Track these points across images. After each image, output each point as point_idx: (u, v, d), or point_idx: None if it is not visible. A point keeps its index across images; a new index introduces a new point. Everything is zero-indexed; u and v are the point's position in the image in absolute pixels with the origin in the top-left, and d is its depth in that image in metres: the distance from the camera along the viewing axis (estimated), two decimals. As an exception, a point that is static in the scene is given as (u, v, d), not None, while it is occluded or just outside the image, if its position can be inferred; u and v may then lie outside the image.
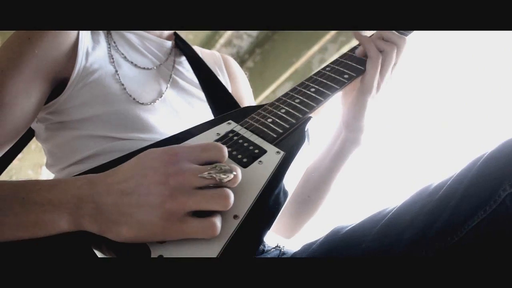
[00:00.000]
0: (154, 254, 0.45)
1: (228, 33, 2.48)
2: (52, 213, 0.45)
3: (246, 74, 2.83)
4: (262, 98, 2.55)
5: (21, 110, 0.67)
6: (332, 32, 2.10)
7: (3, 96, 0.65)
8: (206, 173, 0.44)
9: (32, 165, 2.38)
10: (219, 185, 0.45)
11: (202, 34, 2.57)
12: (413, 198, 0.66)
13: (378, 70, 0.70)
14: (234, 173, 0.45)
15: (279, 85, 2.45)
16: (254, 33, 2.53)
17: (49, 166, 0.79)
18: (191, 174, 0.44)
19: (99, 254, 0.46)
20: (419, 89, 1.69)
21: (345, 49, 2.06)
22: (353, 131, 0.75)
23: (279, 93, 2.44)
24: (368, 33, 0.78)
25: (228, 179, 0.45)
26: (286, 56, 2.38)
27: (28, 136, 0.80)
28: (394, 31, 0.73)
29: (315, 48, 2.19)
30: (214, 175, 0.44)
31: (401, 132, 1.69)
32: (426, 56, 1.60)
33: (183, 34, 0.92)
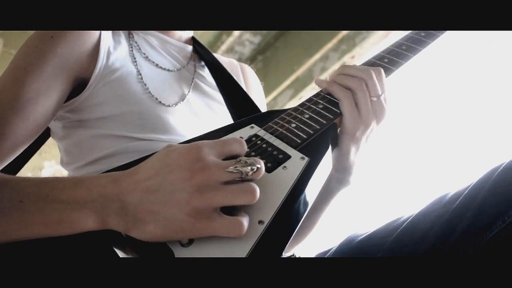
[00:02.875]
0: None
1: (230, 39, 2.49)
2: (78, 211, 0.45)
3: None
4: (263, 105, 2.56)
5: (42, 107, 0.66)
6: (334, 41, 2.11)
7: (25, 94, 0.65)
8: (232, 167, 0.44)
9: (32, 168, 2.38)
10: (244, 179, 0.45)
11: (204, 40, 2.58)
12: (428, 208, 0.65)
13: (355, 110, 0.63)
14: (258, 165, 0.45)
15: (280, 92, 2.46)
16: (256, 39, 2.54)
17: (64, 164, 0.78)
18: (217, 169, 0.43)
19: (120, 255, 0.46)
20: (434, 96, 1.68)
21: (346, 57, 2.07)
22: (338, 171, 0.71)
23: (280, 100, 2.45)
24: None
25: (254, 172, 0.45)
26: (287, 63, 2.39)
27: (45, 134, 0.80)
28: (355, 66, 0.66)
29: (317, 56, 2.20)
30: (240, 169, 0.44)
31: (413, 139, 1.69)
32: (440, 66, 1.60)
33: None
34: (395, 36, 1.86)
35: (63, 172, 0.87)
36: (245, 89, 0.91)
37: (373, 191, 1.60)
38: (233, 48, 2.60)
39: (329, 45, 2.13)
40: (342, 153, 0.66)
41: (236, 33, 2.44)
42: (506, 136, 1.38)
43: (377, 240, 0.68)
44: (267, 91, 2.50)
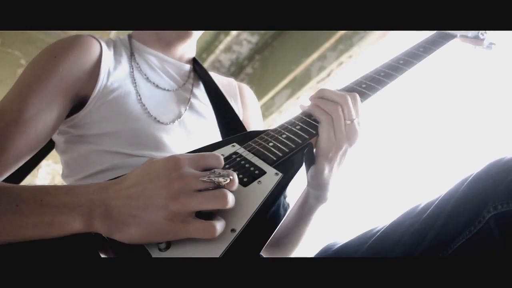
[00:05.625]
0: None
1: (228, 39, 2.49)
2: (67, 215, 0.49)
3: (244, 80, 2.82)
4: (260, 105, 2.55)
5: (43, 123, 0.71)
6: (332, 40, 2.11)
7: (27, 109, 0.70)
8: (206, 177, 0.49)
9: (29, 167, 2.37)
10: (219, 187, 0.49)
11: (202, 40, 2.57)
12: (401, 217, 0.68)
13: (331, 132, 0.67)
14: (231, 177, 0.50)
15: (278, 92, 2.46)
16: (253, 39, 2.54)
17: (64, 176, 0.83)
18: (192, 178, 0.48)
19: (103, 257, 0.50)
20: (409, 102, 1.69)
21: (344, 57, 2.08)
22: (315, 189, 0.74)
23: (278, 100, 2.46)
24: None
25: (226, 182, 0.49)
26: (285, 63, 2.39)
27: (48, 146, 0.84)
28: (334, 91, 0.70)
29: (314, 56, 2.20)
30: (213, 179, 0.49)
31: (392, 148, 1.70)
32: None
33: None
34: (393, 36, 1.86)
35: (60, 171, 0.88)
36: (240, 108, 0.98)
37: (355, 202, 1.62)
38: (231, 48, 2.60)
39: (327, 44, 2.14)
40: (316, 172, 0.70)
41: (234, 32, 2.44)
42: (480, 144, 1.40)
43: (352, 248, 0.72)
44: (264, 91, 2.50)
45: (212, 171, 0.50)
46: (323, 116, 0.67)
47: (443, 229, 0.59)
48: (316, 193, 0.75)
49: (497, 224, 0.54)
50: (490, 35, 0.90)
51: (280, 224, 0.56)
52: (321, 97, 0.70)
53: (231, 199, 0.49)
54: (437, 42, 0.87)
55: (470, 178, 0.61)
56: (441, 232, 0.59)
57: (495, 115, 1.41)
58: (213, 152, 0.53)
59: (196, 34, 0.91)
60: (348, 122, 0.68)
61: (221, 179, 0.49)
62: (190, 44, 0.93)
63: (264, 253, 0.83)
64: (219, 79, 1.00)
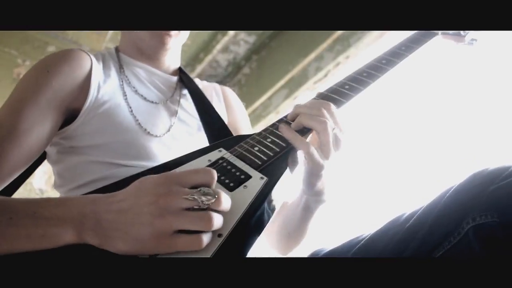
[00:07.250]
0: None
1: (225, 39, 2.48)
2: (59, 227, 0.50)
3: (242, 80, 2.80)
4: (257, 105, 2.56)
5: (36, 136, 0.73)
6: (329, 41, 2.11)
7: (20, 123, 0.71)
8: (189, 195, 0.49)
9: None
10: (205, 207, 0.49)
11: (199, 39, 2.57)
12: (386, 226, 0.69)
13: (318, 154, 0.63)
14: (216, 196, 0.50)
15: (275, 92, 2.46)
16: (251, 39, 2.54)
17: (57, 186, 0.84)
18: (177, 195, 0.49)
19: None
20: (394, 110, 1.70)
21: (341, 57, 2.08)
22: (311, 195, 0.74)
23: (275, 100, 2.46)
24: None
25: (209, 202, 0.49)
26: (282, 63, 2.39)
27: (39, 159, 0.84)
28: (306, 108, 0.66)
29: (312, 56, 2.20)
30: (196, 197, 0.49)
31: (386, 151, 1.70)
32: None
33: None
34: (390, 36, 1.86)
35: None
36: (225, 111, 1.00)
37: (344, 207, 1.62)
38: (228, 48, 2.60)
39: (324, 45, 2.14)
40: (308, 183, 0.70)
41: (231, 32, 2.43)
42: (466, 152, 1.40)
43: (338, 254, 0.73)
44: (262, 91, 2.50)
45: (198, 189, 0.50)
46: (306, 147, 0.63)
47: (425, 239, 0.60)
48: (313, 198, 0.75)
49: (475, 235, 0.55)
50: (473, 32, 0.88)
51: (265, 227, 0.57)
52: (300, 113, 0.67)
53: (216, 221, 0.49)
54: (419, 40, 0.86)
55: (453, 188, 0.62)
56: (423, 242, 0.60)
57: (479, 124, 1.41)
58: (206, 168, 0.54)
59: (175, 41, 0.88)
60: (333, 131, 0.65)
61: (203, 198, 0.49)
62: (173, 53, 0.93)
63: (277, 245, 0.88)
64: (203, 85, 1.01)
